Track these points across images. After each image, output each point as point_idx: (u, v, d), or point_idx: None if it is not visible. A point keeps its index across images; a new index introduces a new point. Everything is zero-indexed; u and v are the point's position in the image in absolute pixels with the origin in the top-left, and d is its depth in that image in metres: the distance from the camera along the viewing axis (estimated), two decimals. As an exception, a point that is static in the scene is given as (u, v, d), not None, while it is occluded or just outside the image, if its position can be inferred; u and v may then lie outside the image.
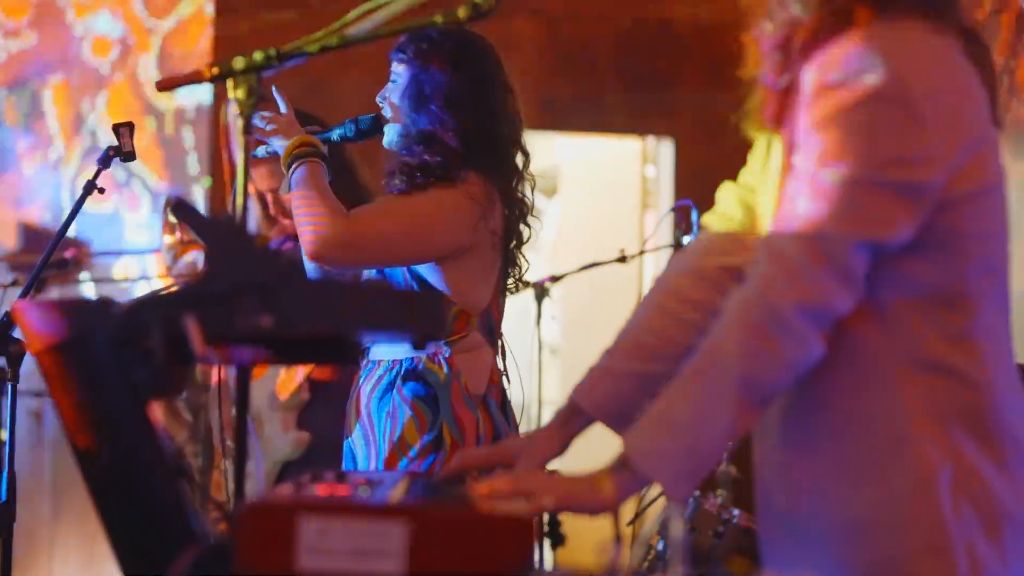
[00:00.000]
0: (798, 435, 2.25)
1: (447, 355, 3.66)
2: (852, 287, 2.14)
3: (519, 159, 3.81)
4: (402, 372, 3.67)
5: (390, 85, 3.80)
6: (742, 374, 2.14)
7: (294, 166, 3.63)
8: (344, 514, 1.98)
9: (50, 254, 3.75)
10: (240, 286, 2.11)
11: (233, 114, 2.43)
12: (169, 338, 2.11)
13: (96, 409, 2.17)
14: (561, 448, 2.54)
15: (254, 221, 2.27)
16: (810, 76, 2.20)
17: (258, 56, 2.42)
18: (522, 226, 3.85)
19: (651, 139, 8.76)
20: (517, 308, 4.36)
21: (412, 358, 3.65)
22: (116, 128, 3.81)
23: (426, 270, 3.68)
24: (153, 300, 2.17)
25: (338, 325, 2.15)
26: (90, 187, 3.85)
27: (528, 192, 3.84)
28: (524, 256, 3.90)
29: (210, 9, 7.94)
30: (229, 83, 2.43)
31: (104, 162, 3.83)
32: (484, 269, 3.76)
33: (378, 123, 3.80)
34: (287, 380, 4.92)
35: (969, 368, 2.21)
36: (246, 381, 2.43)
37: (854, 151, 2.12)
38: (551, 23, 8.28)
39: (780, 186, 2.29)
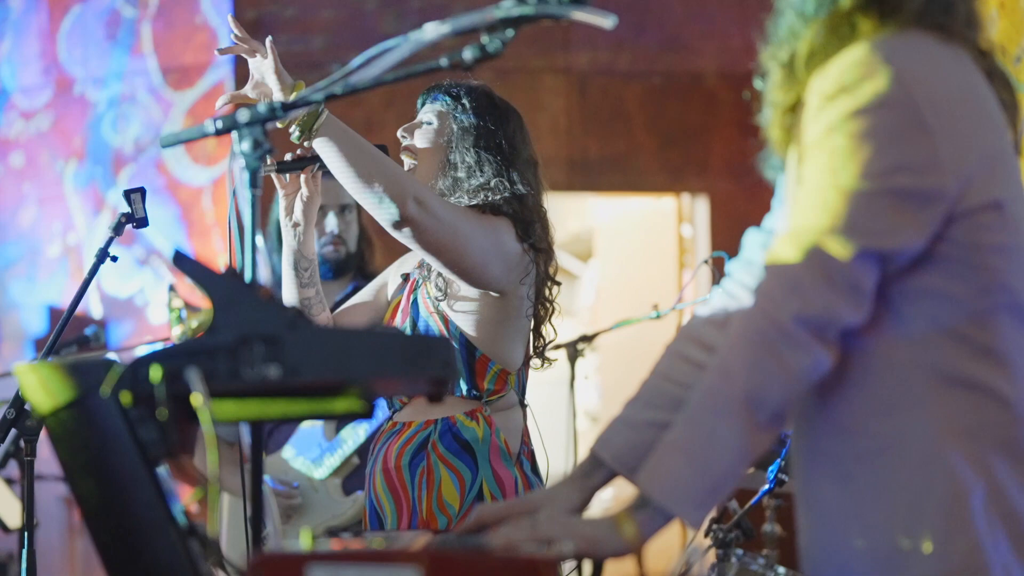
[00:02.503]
0: (827, 463, 2.18)
1: (486, 413, 3.64)
2: (856, 298, 2.08)
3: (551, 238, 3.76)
4: (438, 431, 3.62)
5: (425, 125, 3.74)
6: (747, 388, 2.08)
7: (326, 113, 3.39)
8: (355, 560, 1.92)
9: (67, 321, 3.69)
10: (245, 336, 2.07)
11: (239, 167, 2.39)
12: (173, 393, 2.07)
13: (103, 469, 2.12)
14: (583, 502, 2.43)
15: (260, 272, 2.22)
16: (813, 88, 2.16)
17: (262, 107, 2.39)
18: (548, 301, 3.79)
19: (686, 196, 8.70)
20: (551, 376, 4.30)
21: (448, 417, 3.62)
22: (127, 194, 3.76)
23: (467, 325, 3.63)
24: (156, 355, 2.11)
25: (347, 372, 2.10)
26: (103, 255, 3.79)
27: (551, 272, 3.79)
28: (551, 328, 3.83)
29: (230, 83, 7.98)
30: (234, 136, 2.39)
31: (116, 229, 3.78)
32: (520, 330, 3.71)
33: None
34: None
35: (999, 384, 2.14)
36: (260, 438, 2.38)
37: (856, 159, 2.08)
38: (579, 81, 8.25)
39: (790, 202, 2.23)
